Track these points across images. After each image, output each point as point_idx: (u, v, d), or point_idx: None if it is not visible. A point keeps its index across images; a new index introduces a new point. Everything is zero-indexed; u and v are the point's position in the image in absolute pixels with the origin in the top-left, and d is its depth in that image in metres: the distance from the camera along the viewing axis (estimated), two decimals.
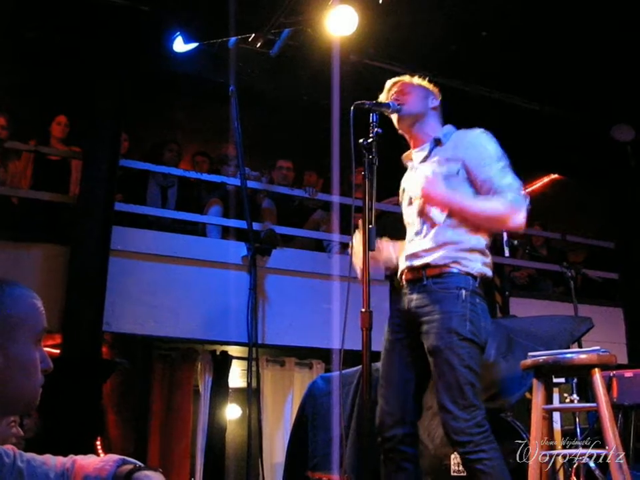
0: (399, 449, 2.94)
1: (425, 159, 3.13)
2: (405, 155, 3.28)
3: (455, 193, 2.93)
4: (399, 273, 3.13)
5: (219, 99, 5.78)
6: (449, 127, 3.20)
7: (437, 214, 2.96)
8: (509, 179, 2.94)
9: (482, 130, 3.09)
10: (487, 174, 2.95)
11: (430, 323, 2.86)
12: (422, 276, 2.95)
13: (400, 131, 3.23)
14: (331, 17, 5.15)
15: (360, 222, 2.78)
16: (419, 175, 3.05)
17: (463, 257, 2.92)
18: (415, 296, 2.97)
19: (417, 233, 3.05)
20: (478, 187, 2.98)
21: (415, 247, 3.03)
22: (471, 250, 2.95)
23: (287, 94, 6.37)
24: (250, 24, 5.31)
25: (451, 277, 2.90)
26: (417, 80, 3.22)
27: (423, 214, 3.05)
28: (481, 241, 2.99)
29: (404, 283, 3.07)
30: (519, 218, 2.88)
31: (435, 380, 2.86)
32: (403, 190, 3.28)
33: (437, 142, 3.12)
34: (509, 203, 2.87)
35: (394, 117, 3.16)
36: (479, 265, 2.95)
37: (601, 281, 5.95)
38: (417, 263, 2.98)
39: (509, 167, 2.99)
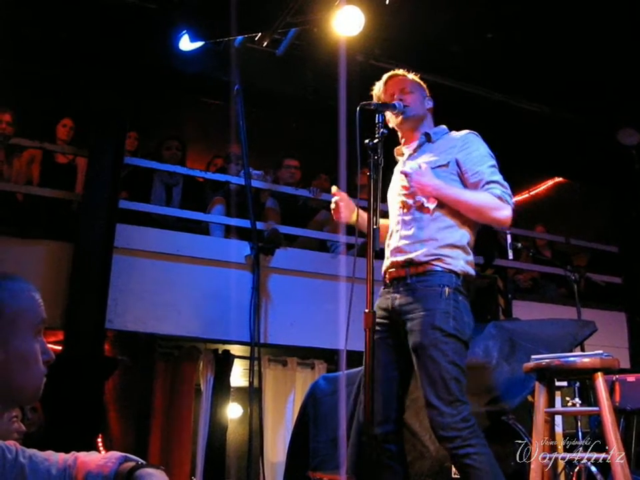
0: (383, 447, 2.96)
1: (414, 152, 3.20)
2: (396, 149, 3.33)
3: (444, 183, 2.98)
4: (382, 270, 3.15)
5: (224, 98, 5.77)
6: (442, 127, 3.28)
7: (427, 204, 3.00)
8: (498, 177, 3.02)
9: (473, 132, 3.17)
10: (478, 168, 3.02)
11: (414, 320, 2.90)
12: (405, 274, 2.99)
13: (394, 126, 3.25)
14: (337, 17, 5.14)
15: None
16: (407, 167, 3.08)
17: (445, 254, 2.97)
18: (398, 294, 3.01)
19: (400, 225, 3.10)
20: (467, 181, 3.05)
21: (397, 240, 3.08)
22: (453, 246, 2.99)
23: (293, 93, 6.37)
24: (256, 23, 5.30)
25: (434, 274, 2.95)
26: (413, 77, 3.26)
27: (407, 206, 3.08)
28: (464, 237, 3.04)
29: (388, 281, 3.10)
30: (506, 212, 2.96)
31: (419, 377, 2.88)
32: (391, 183, 3.33)
33: (427, 137, 3.17)
34: (498, 196, 2.95)
35: (394, 116, 3.18)
36: (462, 262, 3.00)
37: (604, 285, 5.94)
38: (401, 258, 3.03)
39: (498, 168, 3.07)
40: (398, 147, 3.34)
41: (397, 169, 3.31)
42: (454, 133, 3.21)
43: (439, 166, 3.05)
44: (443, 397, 2.77)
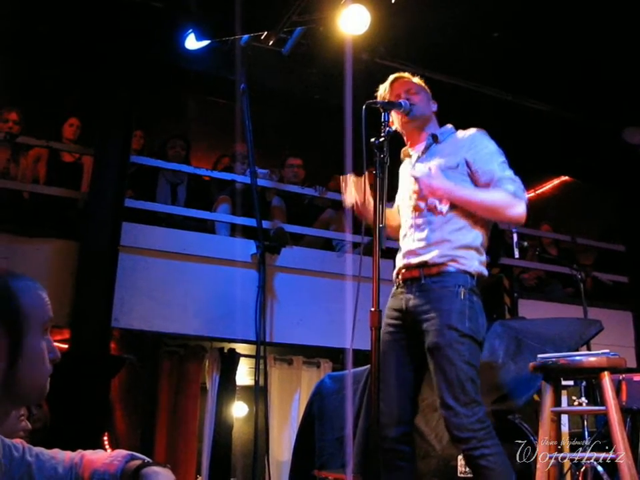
0: (396, 448, 2.96)
1: (422, 154, 3.18)
2: (403, 150, 3.33)
3: (456, 184, 2.97)
4: (395, 272, 3.14)
5: (230, 97, 5.78)
6: (447, 127, 3.27)
7: (440, 207, 2.99)
8: (509, 173, 3.01)
9: (480, 130, 3.16)
10: (488, 167, 3.01)
11: (429, 320, 2.89)
12: (420, 275, 2.98)
13: (400, 129, 3.24)
14: (343, 16, 5.15)
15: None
16: (417, 170, 3.07)
17: (460, 255, 2.96)
18: (412, 295, 3.00)
19: (413, 229, 3.09)
20: (478, 180, 3.03)
21: (410, 243, 3.07)
22: (467, 247, 2.99)
23: (299, 92, 6.36)
24: (262, 22, 5.30)
25: (449, 275, 2.94)
26: (420, 81, 3.26)
27: (419, 209, 3.07)
28: (478, 238, 3.03)
29: (400, 282, 3.08)
30: (520, 209, 2.94)
31: (435, 377, 2.87)
32: (400, 185, 3.32)
33: (434, 138, 3.17)
34: (511, 193, 2.93)
35: (399, 116, 3.17)
36: (476, 263, 3.00)
37: (611, 285, 5.93)
38: (414, 260, 3.02)
39: (508, 164, 3.06)
40: (404, 149, 3.33)
41: (404, 171, 3.30)
42: (460, 133, 3.20)
43: (449, 168, 3.03)
44: (459, 398, 2.77)
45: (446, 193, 2.95)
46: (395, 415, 2.95)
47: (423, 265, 2.98)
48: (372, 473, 2.71)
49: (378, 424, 2.60)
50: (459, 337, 2.82)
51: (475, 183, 3.04)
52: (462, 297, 2.88)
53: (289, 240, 5.87)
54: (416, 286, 2.99)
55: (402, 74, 3.28)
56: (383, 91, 3.26)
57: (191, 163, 6.53)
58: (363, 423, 3.87)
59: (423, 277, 2.97)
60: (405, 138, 3.31)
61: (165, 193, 6.27)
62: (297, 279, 5.88)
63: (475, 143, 3.08)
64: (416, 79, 3.27)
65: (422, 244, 3.01)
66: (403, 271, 3.07)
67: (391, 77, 3.26)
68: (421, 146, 3.21)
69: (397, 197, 3.33)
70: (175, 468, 5.67)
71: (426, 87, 3.29)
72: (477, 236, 3.02)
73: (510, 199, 2.92)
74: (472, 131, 3.16)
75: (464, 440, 2.75)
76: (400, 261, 3.11)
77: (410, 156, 3.28)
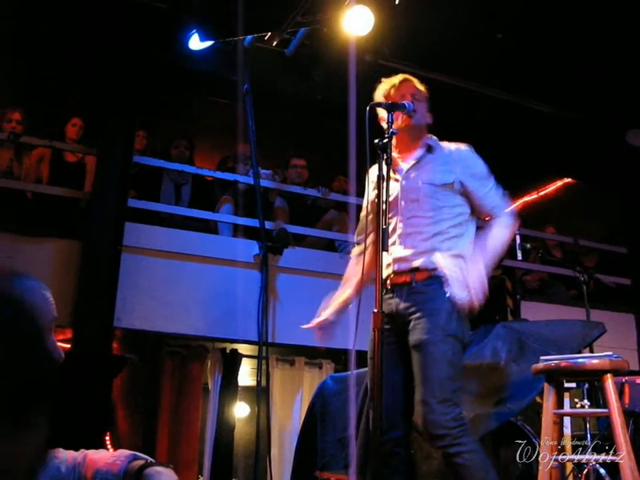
0: (394, 452, 2.97)
1: (416, 164, 3.18)
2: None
3: (480, 264, 3.04)
4: (382, 277, 3.13)
5: (233, 97, 5.78)
6: (433, 138, 3.28)
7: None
8: (499, 199, 3.18)
9: (469, 147, 3.23)
10: (483, 192, 3.15)
11: (417, 319, 2.95)
12: (410, 280, 3.03)
13: (392, 131, 3.20)
14: (347, 17, 5.15)
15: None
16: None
17: (450, 262, 3.02)
18: (402, 299, 3.04)
19: (403, 237, 3.10)
20: (473, 199, 3.15)
21: (400, 251, 3.09)
22: (457, 256, 3.05)
23: (302, 93, 6.36)
24: (266, 22, 5.30)
25: (439, 279, 3.00)
26: (424, 89, 3.25)
27: (409, 220, 3.10)
28: (467, 247, 3.11)
29: (389, 287, 3.10)
30: (513, 227, 3.18)
31: (416, 374, 2.91)
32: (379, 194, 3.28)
33: (429, 148, 3.19)
34: (509, 225, 3.14)
35: (401, 117, 3.13)
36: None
37: (614, 287, 5.91)
38: (405, 266, 3.06)
39: (496, 184, 3.21)
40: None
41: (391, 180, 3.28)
42: (447, 146, 3.23)
43: (444, 184, 3.09)
44: (436, 395, 2.80)
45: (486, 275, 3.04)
46: (391, 418, 2.95)
47: (415, 270, 3.03)
48: (374, 474, 2.70)
49: (379, 425, 2.60)
50: (445, 336, 2.87)
51: (469, 199, 3.15)
52: (450, 299, 2.94)
53: (292, 241, 5.87)
54: (406, 290, 3.04)
55: (411, 77, 3.26)
56: (388, 85, 3.23)
57: (194, 163, 6.53)
58: (365, 424, 3.86)
59: (414, 282, 3.02)
60: (394, 143, 3.26)
61: (169, 193, 6.27)
62: (299, 279, 5.87)
63: (468, 164, 3.15)
64: (422, 87, 3.26)
65: (412, 251, 3.05)
66: (392, 276, 3.10)
67: (400, 76, 3.25)
68: (411, 157, 3.20)
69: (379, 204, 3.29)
70: (177, 468, 5.66)
71: (427, 97, 3.28)
72: (465, 245, 3.10)
73: (510, 230, 3.15)
74: (462, 147, 3.21)
75: (439, 437, 2.77)
76: (389, 267, 3.11)
77: (398, 164, 3.23)
